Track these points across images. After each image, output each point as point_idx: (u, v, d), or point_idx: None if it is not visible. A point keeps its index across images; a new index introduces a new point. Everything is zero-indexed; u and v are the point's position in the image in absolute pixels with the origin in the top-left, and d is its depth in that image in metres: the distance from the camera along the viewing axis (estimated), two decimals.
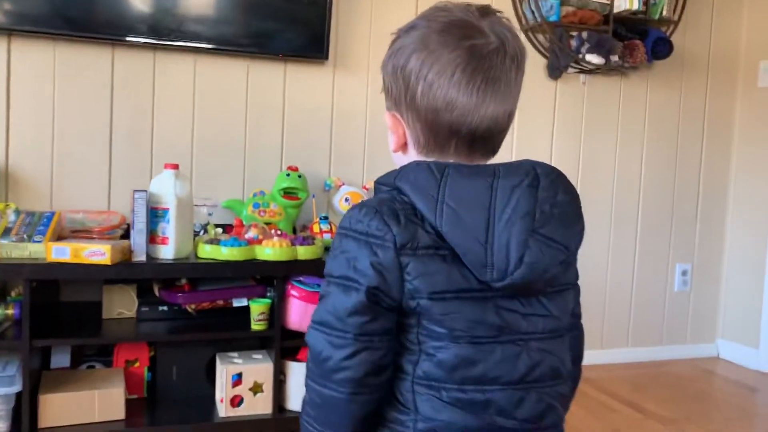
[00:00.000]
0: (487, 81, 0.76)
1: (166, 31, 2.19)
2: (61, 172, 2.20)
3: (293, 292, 1.94)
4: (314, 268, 1.97)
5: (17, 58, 2.14)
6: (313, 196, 2.38)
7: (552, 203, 0.74)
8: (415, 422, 0.73)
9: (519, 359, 0.74)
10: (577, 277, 0.86)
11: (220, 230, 2.13)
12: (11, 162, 2.15)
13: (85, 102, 2.22)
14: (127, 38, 2.18)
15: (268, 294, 2.04)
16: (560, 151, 2.84)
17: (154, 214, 1.86)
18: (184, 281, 2.04)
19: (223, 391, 1.92)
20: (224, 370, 1.91)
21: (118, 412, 1.87)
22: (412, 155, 0.83)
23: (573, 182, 0.81)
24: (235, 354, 2.02)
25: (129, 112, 2.27)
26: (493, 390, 0.73)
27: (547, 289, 0.77)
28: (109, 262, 1.75)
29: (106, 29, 2.16)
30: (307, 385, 0.75)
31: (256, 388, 1.94)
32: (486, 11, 0.79)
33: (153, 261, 1.85)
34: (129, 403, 1.92)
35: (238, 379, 1.92)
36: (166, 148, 2.31)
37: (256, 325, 1.95)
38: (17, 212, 1.89)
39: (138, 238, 1.83)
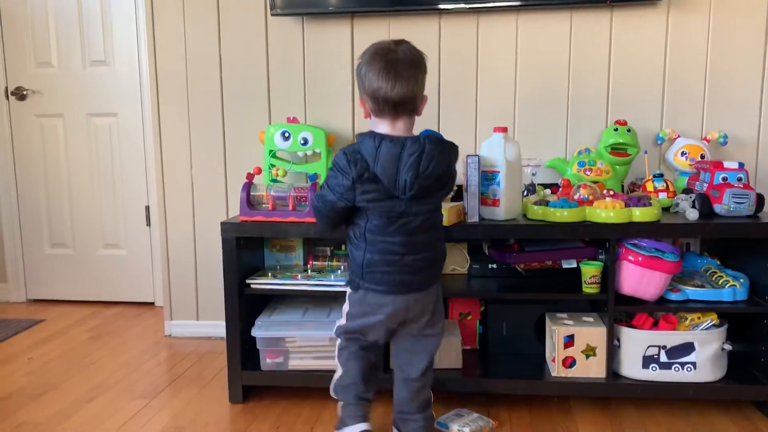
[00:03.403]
0: (395, 76, 1.51)
1: None
2: None
3: (628, 256, 1.84)
4: (651, 230, 1.84)
5: (359, 35, 2.38)
6: (645, 152, 2.22)
7: (431, 160, 1.51)
8: (365, 245, 1.59)
9: (412, 222, 1.56)
10: (449, 185, 1.63)
11: (548, 191, 2.12)
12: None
13: None
14: (450, 6, 2.26)
15: (600, 257, 1.98)
16: None
17: (485, 177, 1.92)
18: (512, 241, 2.09)
19: (554, 350, 1.94)
20: (556, 331, 1.92)
21: (456, 361, 2.02)
22: (373, 118, 1.60)
23: None
24: (564, 315, 2.01)
25: (455, 77, 2.37)
26: (399, 235, 1.56)
27: (430, 195, 1.57)
28: (446, 223, 1.87)
29: (431, 0, 2.27)
30: (313, 205, 1.68)
31: (588, 351, 1.91)
32: (399, 42, 1.57)
33: (485, 222, 1.92)
34: (463, 353, 2.06)
35: (569, 340, 1.91)
36: (489, 109, 2.36)
37: (588, 288, 1.91)
38: None
39: (471, 201, 1.92)
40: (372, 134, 1.53)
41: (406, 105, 1.54)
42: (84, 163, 3.13)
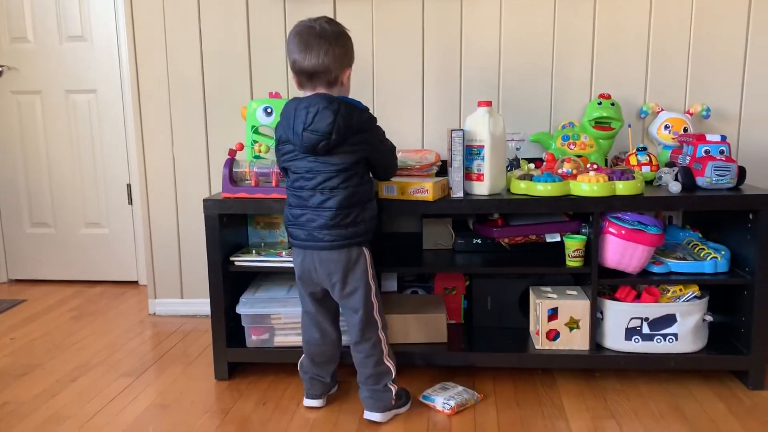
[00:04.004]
0: (306, 48, 1.63)
1: None
2: (383, 114, 2.38)
3: (611, 229, 1.85)
4: (634, 203, 1.85)
5: (342, 9, 2.34)
6: (629, 126, 2.22)
7: (314, 114, 1.61)
8: (288, 201, 1.75)
9: (316, 178, 1.67)
10: (356, 157, 1.67)
11: (532, 165, 2.12)
12: None
13: (400, 47, 2.36)
14: None
15: (583, 230, 1.99)
16: None
17: (470, 152, 1.91)
18: (497, 216, 2.09)
19: (538, 323, 1.95)
20: (540, 304, 1.93)
21: (441, 336, 2.04)
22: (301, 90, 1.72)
23: None
24: (548, 288, 2.02)
25: (439, 52, 2.35)
26: (304, 191, 1.69)
27: (332, 153, 1.65)
28: (430, 198, 1.87)
29: None
30: None
31: (572, 324, 1.93)
32: (318, 18, 1.67)
33: (469, 197, 1.92)
34: (448, 328, 2.06)
35: (553, 313, 1.93)
36: (473, 83, 2.35)
37: (571, 262, 1.92)
38: None
39: (455, 176, 1.91)
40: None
41: (320, 76, 1.66)
42: (63, 141, 3.08)
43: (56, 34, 2.98)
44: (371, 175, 1.80)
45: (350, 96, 1.76)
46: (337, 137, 1.62)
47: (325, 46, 1.63)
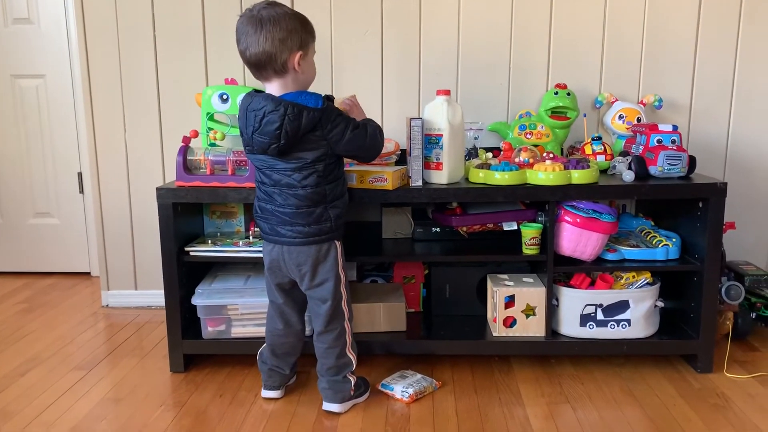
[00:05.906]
0: (246, 38, 1.55)
1: None
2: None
3: (566, 218, 1.88)
4: (589, 192, 1.88)
5: (299, 0, 2.32)
6: (584, 115, 2.25)
7: (261, 119, 1.56)
8: (256, 195, 1.73)
9: (273, 176, 1.64)
10: (315, 155, 1.61)
11: (490, 154, 2.13)
12: None
13: (359, 36, 2.33)
14: None
15: (539, 218, 2.01)
16: None
17: (428, 141, 1.91)
18: (455, 204, 2.10)
19: (495, 311, 1.97)
20: (497, 292, 1.95)
21: (400, 324, 2.04)
22: None
23: None
24: (505, 276, 2.04)
25: (398, 41, 2.33)
26: (266, 186, 1.67)
27: (286, 153, 1.60)
28: (390, 187, 1.86)
29: None
30: None
31: (528, 311, 1.96)
32: (258, 3, 1.58)
33: (428, 186, 1.92)
34: (407, 316, 2.07)
35: (510, 300, 1.95)
36: (432, 73, 2.34)
37: (528, 250, 1.94)
38: None
39: (415, 164, 1.90)
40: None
41: (266, 65, 1.57)
42: (10, 128, 2.96)
43: (0, 16, 2.86)
44: (348, 165, 1.79)
45: (314, 82, 1.69)
46: (286, 141, 1.56)
47: (263, 33, 1.53)
